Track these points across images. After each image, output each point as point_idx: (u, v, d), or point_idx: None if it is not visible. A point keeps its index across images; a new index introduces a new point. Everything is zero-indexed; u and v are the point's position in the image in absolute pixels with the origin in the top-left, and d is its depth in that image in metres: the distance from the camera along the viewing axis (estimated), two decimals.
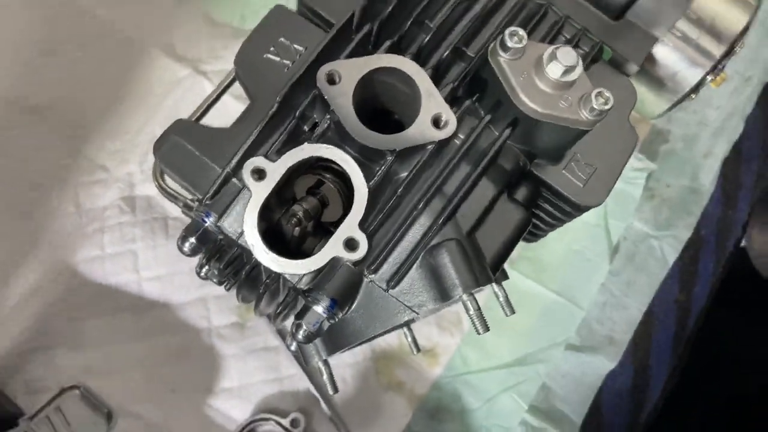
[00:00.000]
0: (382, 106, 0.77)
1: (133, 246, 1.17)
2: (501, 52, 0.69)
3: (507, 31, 0.68)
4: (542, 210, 0.85)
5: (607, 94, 0.68)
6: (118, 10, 1.24)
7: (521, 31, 0.68)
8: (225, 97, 1.00)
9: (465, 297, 0.67)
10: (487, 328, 0.67)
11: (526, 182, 0.80)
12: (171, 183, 0.88)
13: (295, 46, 0.77)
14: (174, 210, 1.18)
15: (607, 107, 0.68)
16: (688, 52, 0.86)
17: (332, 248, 0.68)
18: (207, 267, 0.80)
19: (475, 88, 0.76)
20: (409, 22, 0.76)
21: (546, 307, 1.17)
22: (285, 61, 0.76)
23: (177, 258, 1.17)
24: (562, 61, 0.67)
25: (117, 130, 1.21)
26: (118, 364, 1.13)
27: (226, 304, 1.16)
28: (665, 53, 0.87)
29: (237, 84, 1.12)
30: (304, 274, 0.69)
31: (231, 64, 0.78)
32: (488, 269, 0.72)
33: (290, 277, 0.70)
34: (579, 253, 1.19)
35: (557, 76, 0.68)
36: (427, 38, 0.76)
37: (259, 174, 0.68)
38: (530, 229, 0.87)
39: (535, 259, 1.18)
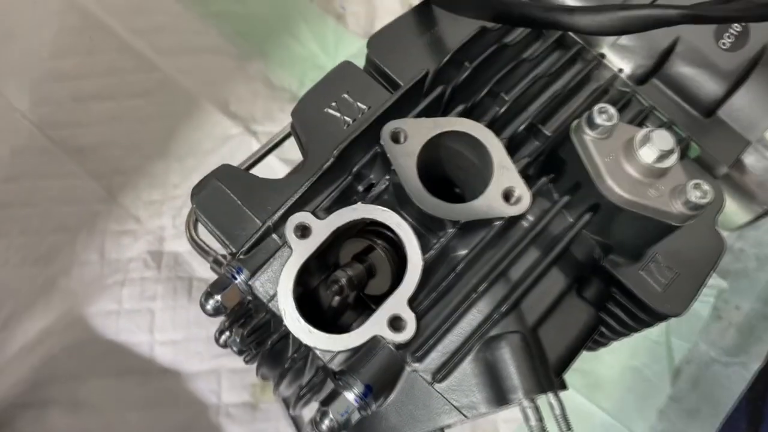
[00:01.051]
0: (443, 175, 0.71)
1: (152, 304, 1.09)
2: (587, 129, 0.62)
3: (596, 108, 0.61)
4: (611, 314, 0.75)
5: (706, 186, 0.60)
6: (180, 62, 1.24)
7: (612, 109, 0.61)
8: (271, 159, 0.96)
9: (526, 403, 0.56)
10: None
11: (597, 279, 0.71)
12: (204, 236, 0.81)
13: (359, 104, 0.72)
14: (201, 271, 1.11)
15: (705, 201, 0.59)
16: None
17: (374, 325, 0.59)
18: (228, 333, 0.71)
19: (550, 168, 0.69)
20: (484, 92, 0.70)
21: (597, 429, 1.04)
22: (346, 118, 0.71)
23: (195, 323, 1.09)
24: (657, 145, 0.60)
25: (156, 182, 1.17)
26: None
27: (240, 381, 1.06)
28: (754, 160, 0.80)
29: (285, 147, 1.08)
30: (338, 352, 0.60)
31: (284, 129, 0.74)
32: (552, 374, 0.62)
33: (321, 354, 0.61)
34: (637, 371, 1.07)
35: (650, 161, 0.60)
36: (502, 111, 0.70)
37: (303, 231, 0.61)
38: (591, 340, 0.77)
39: (588, 372, 1.06)
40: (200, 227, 0.81)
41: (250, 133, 1.18)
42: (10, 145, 1.17)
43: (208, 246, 0.79)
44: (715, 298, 1.12)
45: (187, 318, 1.08)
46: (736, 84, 0.78)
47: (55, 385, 1.03)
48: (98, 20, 1.28)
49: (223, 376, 1.06)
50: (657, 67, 0.78)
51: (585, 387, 1.05)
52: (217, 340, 0.72)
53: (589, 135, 0.62)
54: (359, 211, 0.61)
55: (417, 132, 0.62)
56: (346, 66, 0.74)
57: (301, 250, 0.60)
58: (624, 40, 0.78)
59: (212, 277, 0.92)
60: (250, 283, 0.62)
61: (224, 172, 0.68)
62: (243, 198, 0.66)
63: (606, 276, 0.70)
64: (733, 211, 0.86)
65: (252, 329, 0.66)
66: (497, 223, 0.62)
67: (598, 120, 0.61)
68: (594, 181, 0.62)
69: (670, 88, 0.78)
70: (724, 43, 0.78)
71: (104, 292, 1.09)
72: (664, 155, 0.60)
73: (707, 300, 1.11)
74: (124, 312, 1.08)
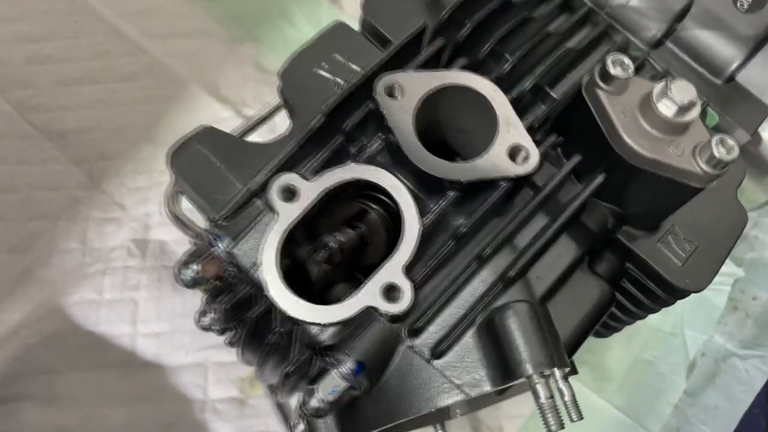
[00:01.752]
0: (442, 140, 0.65)
1: (135, 294, 1.03)
2: (601, 83, 0.57)
3: (610, 58, 0.56)
4: (625, 293, 0.69)
5: (731, 141, 0.54)
6: (168, 46, 1.19)
7: (627, 59, 0.56)
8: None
9: (535, 378, 0.50)
10: (561, 425, 0.51)
11: (611, 253, 0.65)
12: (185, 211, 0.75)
13: (351, 65, 0.66)
14: None
15: (730, 158, 0.54)
16: None
17: (366, 295, 0.53)
18: (209, 313, 0.65)
19: (557, 130, 0.64)
20: (486, 49, 0.65)
21: (607, 425, 0.97)
22: (337, 79, 0.65)
23: (181, 314, 1.03)
24: (676, 98, 0.54)
25: (142, 167, 1.11)
26: (94, 430, 0.96)
27: (228, 375, 1.00)
28: None
29: (275, 129, 1.03)
30: (326, 326, 0.54)
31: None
32: (563, 350, 0.56)
33: (308, 329, 0.55)
34: (649, 364, 1.00)
35: (671, 114, 0.55)
36: (505, 70, 0.65)
37: (289, 193, 0.55)
38: (604, 318, 0.71)
39: (596, 366, 0.99)
40: (184, 206, 0.76)
41: (241, 117, 1.13)
42: None
43: (188, 220, 0.74)
44: (731, 287, 1.06)
45: (172, 309, 1.02)
46: (755, 48, 0.72)
47: (31, 379, 0.97)
48: (85, 3, 1.23)
49: (209, 369, 1.00)
50: (671, 30, 0.73)
51: (593, 381, 0.99)
52: (197, 322, 0.66)
53: (603, 89, 0.57)
54: (350, 170, 0.56)
55: (414, 86, 0.57)
56: (339, 26, 0.69)
57: (286, 214, 0.55)
58: (636, 1, 0.73)
59: None
60: (231, 250, 0.56)
61: (206, 135, 0.63)
62: (225, 161, 0.60)
63: (621, 249, 0.65)
64: (750, 188, 0.81)
65: (235, 304, 0.61)
66: (502, 184, 0.56)
67: (614, 71, 0.56)
68: (609, 139, 0.57)
69: (686, 52, 0.73)
70: (741, 4, 0.73)
71: (85, 281, 1.03)
72: (685, 108, 0.54)
73: (723, 289, 1.05)
74: (105, 302, 1.02)
